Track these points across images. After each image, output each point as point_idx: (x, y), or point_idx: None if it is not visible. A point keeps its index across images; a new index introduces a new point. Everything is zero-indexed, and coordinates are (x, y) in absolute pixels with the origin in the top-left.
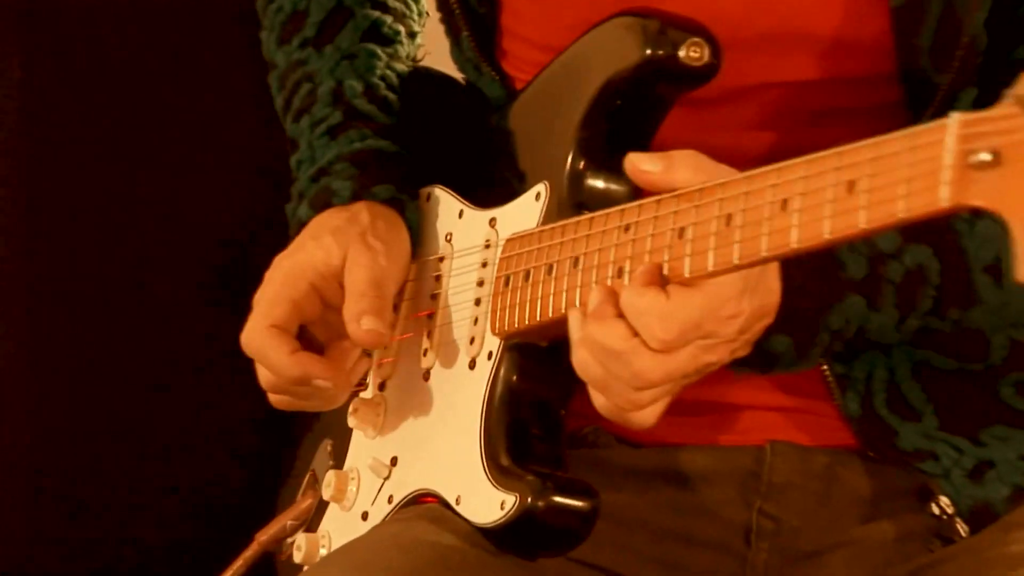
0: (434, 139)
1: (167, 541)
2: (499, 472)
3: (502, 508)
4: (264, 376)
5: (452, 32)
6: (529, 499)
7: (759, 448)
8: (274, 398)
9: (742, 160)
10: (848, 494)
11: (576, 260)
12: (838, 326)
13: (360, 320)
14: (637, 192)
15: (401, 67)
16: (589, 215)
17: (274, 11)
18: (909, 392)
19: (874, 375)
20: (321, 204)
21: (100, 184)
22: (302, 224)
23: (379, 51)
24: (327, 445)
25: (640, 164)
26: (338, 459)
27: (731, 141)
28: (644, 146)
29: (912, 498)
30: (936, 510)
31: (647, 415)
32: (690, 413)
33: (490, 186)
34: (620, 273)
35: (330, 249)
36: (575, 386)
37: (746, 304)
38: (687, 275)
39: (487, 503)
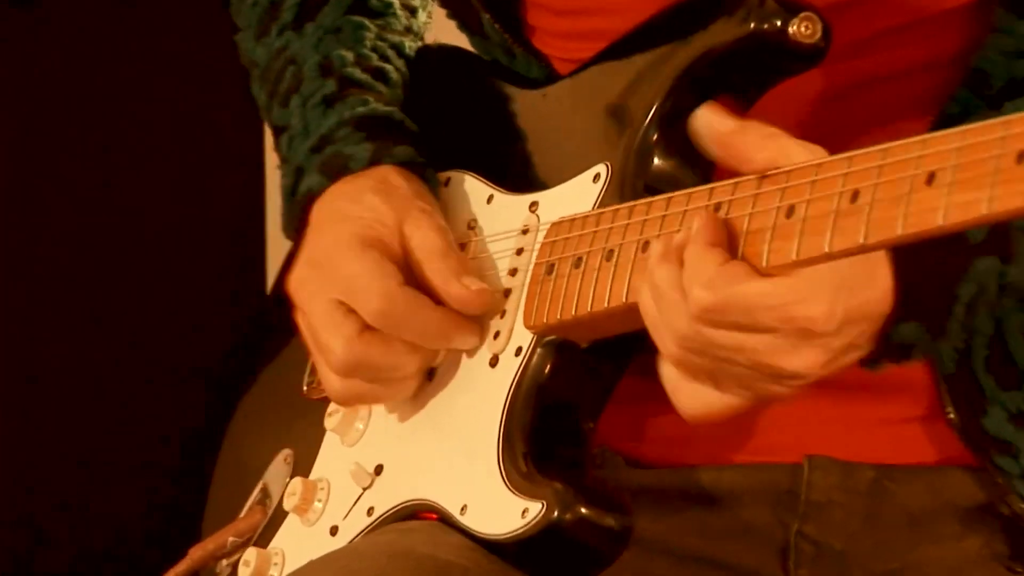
0: (453, 120)
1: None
2: (519, 478)
3: (523, 516)
4: (355, 356)
5: (470, 24)
6: (556, 510)
7: (795, 464)
8: (344, 387)
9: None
10: (899, 512)
11: (646, 244)
12: (971, 295)
13: (463, 279)
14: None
15: (396, 39)
16: (666, 195)
17: (249, 6)
18: (1018, 350)
19: (978, 327)
20: (335, 171)
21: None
22: (312, 196)
23: (367, 22)
24: (285, 455)
25: (712, 118)
26: (302, 468)
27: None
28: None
29: (979, 514)
30: (1006, 511)
31: (686, 396)
32: (712, 428)
33: (528, 169)
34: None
35: (379, 208)
36: (607, 400)
37: (840, 307)
38: (795, 257)
39: (503, 511)
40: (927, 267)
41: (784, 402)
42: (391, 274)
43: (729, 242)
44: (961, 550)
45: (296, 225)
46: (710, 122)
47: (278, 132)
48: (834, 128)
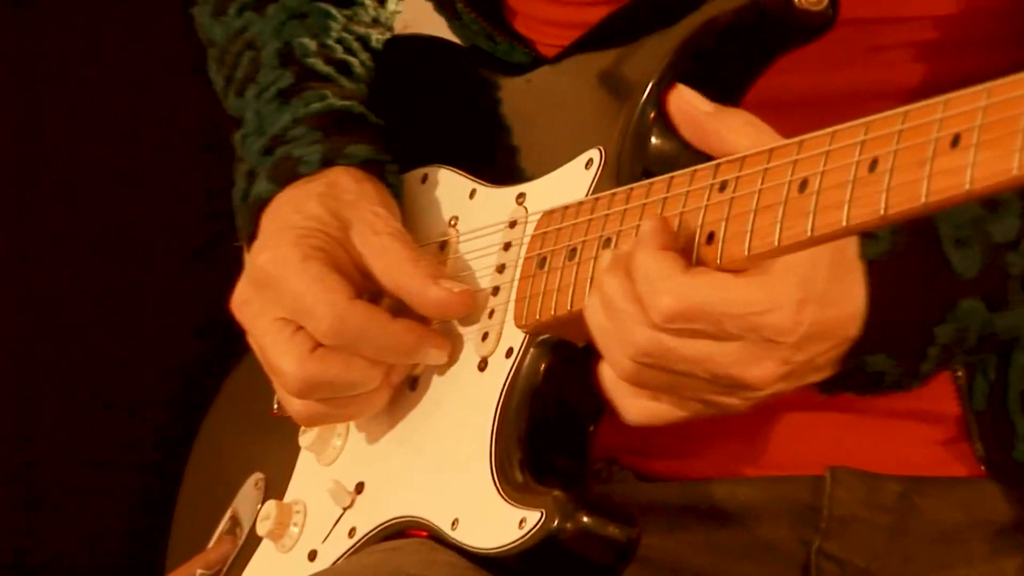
0: (429, 112)
1: None
2: (514, 489)
3: (520, 527)
4: (309, 375)
5: (446, 8)
6: (556, 519)
7: (816, 477)
8: (303, 408)
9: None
10: (929, 529)
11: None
12: (950, 338)
13: (439, 281)
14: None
15: (362, 31)
16: (668, 175)
17: None
18: None
19: (1014, 362)
20: (285, 176)
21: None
22: (262, 202)
23: (334, 11)
24: (255, 479)
25: (689, 97)
26: (275, 491)
27: (858, 77)
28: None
29: (1015, 532)
30: None
31: (631, 405)
32: (726, 440)
33: (513, 159)
34: (711, 239)
35: (321, 217)
36: (607, 402)
37: (807, 317)
38: (809, 234)
39: (499, 523)
40: (906, 298)
41: (802, 409)
42: (337, 288)
43: (685, 244)
44: (995, 571)
45: (249, 232)
46: (689, 100)
47: (235, 122)
48: None
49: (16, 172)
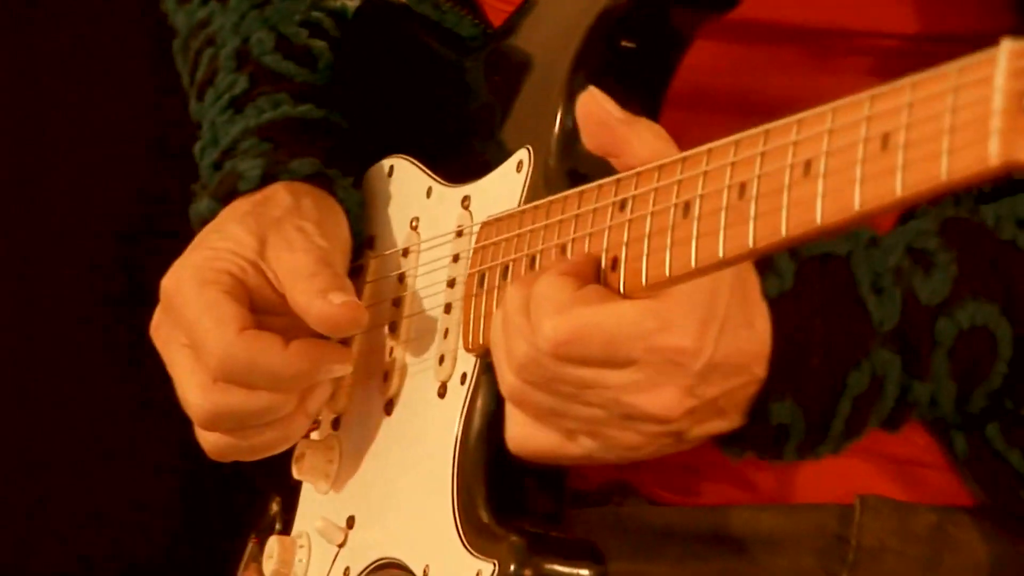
0: (393, 93)
1: None
2: (475, 533)
3: None
4: (214, 406)
5: None
6: (512, 567)
7: (844, 505)
8: (215, 441)
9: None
10: (964, 561)
11: (563, 248)
12: (863, 390)
13: (328, 295)
14: None
15: (338, 4)
16: (579, 188)
17: None
18: None
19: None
20: (225, 193)
21: None
22: (204, 221)
23: None
24: (275, 503)
25: (602, 100)
26: (285, 521)
27: (801, 81)
28: (655, 99)
29: None
30: None
31: (512, 426)
32: (745, 467)
33: (461, 155)
34: (615, 265)
35: (239, 238)
36: None
37: (709, 342)
38: (693, 264)
39: (460, 574)
40: (815, 340)
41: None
42: (227, 318)
43: (592, 270)
44: None
45: None
46: (601, 104)
47: (198, 128)
48: None
49: (16, 172)
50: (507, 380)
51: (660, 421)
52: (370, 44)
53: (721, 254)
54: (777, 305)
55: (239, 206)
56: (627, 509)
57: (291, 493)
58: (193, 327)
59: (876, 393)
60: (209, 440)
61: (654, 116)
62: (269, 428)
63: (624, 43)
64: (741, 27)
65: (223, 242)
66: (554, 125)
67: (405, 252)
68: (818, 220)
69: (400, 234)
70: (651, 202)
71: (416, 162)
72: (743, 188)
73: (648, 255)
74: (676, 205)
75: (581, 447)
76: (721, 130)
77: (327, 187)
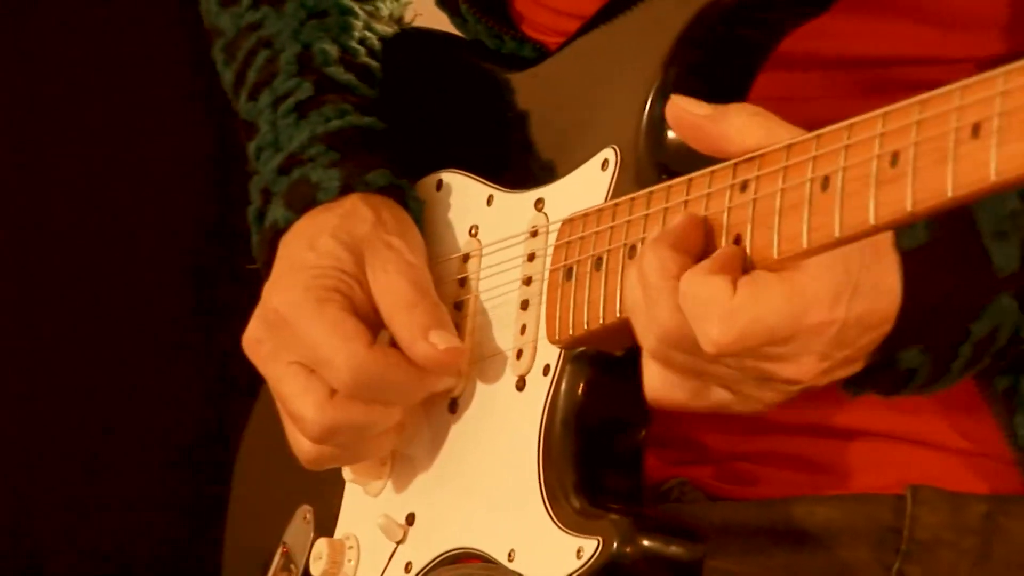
0: (440, 113)
1: None
2: (570, 514)
3: (579, 556)
4: (332, 422)
5: (449, 5)
6: (616, 543)
7: (897, 496)
8: (319, 451)
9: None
10: (1018, 552)
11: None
12: (984, 336)
13: (429, 335)
14: None
15: (383, 28)
16: (686, 177)
17: None
18: None
19: None
20: (302, 203)
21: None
22: (278, 231)
23: (356, 8)
24: (304, 512)
25: (685, 104)
26: (324, 526)
27: (854, 106)
28: (741, 92)
29: None
30: None
31: (655, 375)
32: (803, 454)
33: (528, 162)
34: (738, 242)
35: (338, 254)
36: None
37: (842, 311)
38: (836, 234)
39: (556, 553)
40: (944, 291)
41: (883, 422)
42: (354, 335)
43: (711, 246)
44: None
45: (265, 258)
46: (685, 108)
47: (246, 127)
48: None
49: (16, 172)
50: (649, 342)
51: (795, 383)
52: (407, 67)
53: (873, 221)
54: (909, 258)
55: (325, 219)
56: (687, 506)
57: (326, 499)
58: (318, 346)
59: (994, 338)
60: (306, 449)
61: None
62: (369, 441)
63: (716, 36)
64: (796, 57)
65: (324, 259)
66: (641, 119)
67: (466, 257)
68: (992, 176)
69: (457, 241)
70: (780, 180)
71: (470, 174)
72: (895, 156)
73: (780, 229)
74: (813, 179)
75: (716, 397)
76: None
77: (399, 198)
